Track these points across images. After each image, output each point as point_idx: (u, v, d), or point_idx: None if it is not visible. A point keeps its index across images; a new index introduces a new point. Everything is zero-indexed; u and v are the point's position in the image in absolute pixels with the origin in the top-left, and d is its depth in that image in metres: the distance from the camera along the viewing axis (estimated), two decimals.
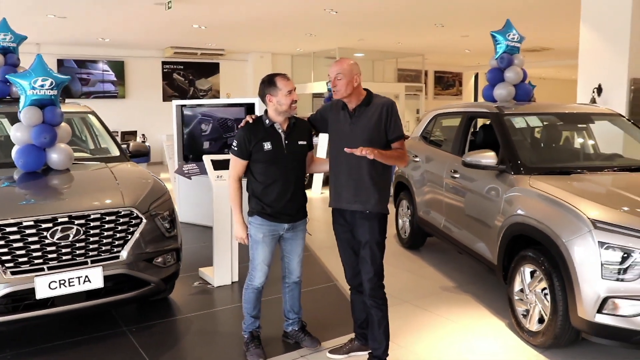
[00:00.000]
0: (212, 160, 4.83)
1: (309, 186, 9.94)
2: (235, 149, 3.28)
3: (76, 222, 3.47)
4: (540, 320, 3.53)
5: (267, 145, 3.23)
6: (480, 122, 5.67)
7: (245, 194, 3.38)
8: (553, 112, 5.13)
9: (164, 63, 15.71)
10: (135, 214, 3.71)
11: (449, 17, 10.91)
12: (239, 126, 3.35)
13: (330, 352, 3.49)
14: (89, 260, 3.47)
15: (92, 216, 3.53)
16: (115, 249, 3.59)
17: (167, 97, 15.40)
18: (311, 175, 9.88)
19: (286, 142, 3.28)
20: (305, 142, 3.36)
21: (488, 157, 4.14)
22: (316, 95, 16.34)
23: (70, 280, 3.36)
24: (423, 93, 18.35)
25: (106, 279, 3.49)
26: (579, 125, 5.08)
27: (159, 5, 9.18)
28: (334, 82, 3.12)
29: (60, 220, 3.43)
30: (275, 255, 3.44)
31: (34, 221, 3.37)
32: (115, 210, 3.64)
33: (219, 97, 15.80)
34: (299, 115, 3.49)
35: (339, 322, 3.92)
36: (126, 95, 15.22)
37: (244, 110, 6.58)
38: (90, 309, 3.55)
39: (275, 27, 12.02)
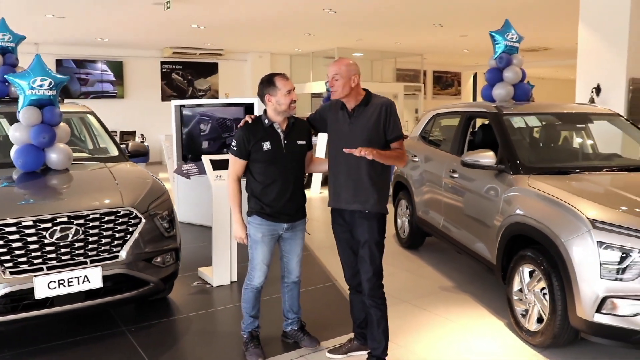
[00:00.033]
0: (211, 160, 4.83)
1: (308, 186, 9.94)
2: (235, 148, 3.28)
3: (75, 222, 3.47)
4: (539, 320, 3.54)
5: (266, 145, 3.23)
6: (479, 121, 5.68)
7: (245, 194, 3.38)
8: (552, 112, 5.14)
9: (162, 63, 15.70)
10: (134, 214, 3.70)
11: (448, 17, 10.92)
12: (238, 126, 3.35)
13: (330, 351, 3.49)
14: (88, 260, 3.47)
15: (91, 216, 3.53)
16: (115, 249, 3.59)
17: (165, 97, 15.39)
18: (310, 175, 9.89)
19: (285, 142, 3.28)
20: (304, 142, 3.36)
21: (487, 157, 4.15)
22: (315, 95, 16.34)
23: (70, 280, 3.36)
24: (422, 93, 18.37)
25: (105, 278, 3.48)
26: (578, 125, 5.09)
27: (157, 5, 9.17)
28: (331, 82, 3.13)
29: (59, 220, 3.43)
30: (275, 255, 3.44)
31: (33, 221, 3.36)
32: (115, 210, 3.64)
33: (217, 97, 15.79)
34: (298, 115, 3.50)
35: (338, 322, 3.92)
36: (125, 95, 15.20)
37: (243, 110, 6.58)
38: (89, 308, 3.55)
39: (274, 27, 12.01)
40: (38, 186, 3.95)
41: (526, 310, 3.66)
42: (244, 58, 16.81)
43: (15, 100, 4.39)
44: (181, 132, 7.27)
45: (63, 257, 3.42)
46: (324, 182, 9.66)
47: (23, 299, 3.31)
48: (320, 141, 9.41)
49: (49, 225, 3.40)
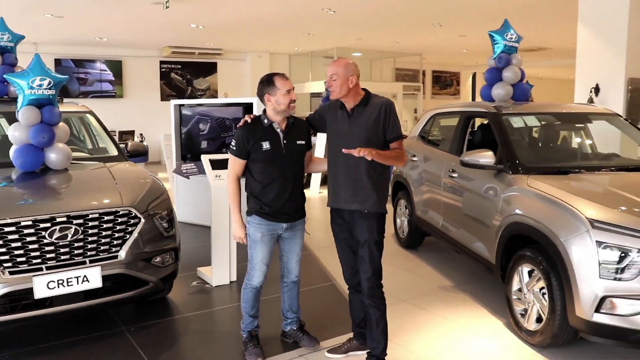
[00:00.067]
0: (210, 160, 4.83)
1: (308, 186, 9.94)
2: (234, 148, 3.28)
3: (74, 221, 3.47)
4: (538, 319, 3.54)
5: (266, 145, 3.23)
6: (478, 121, 5.69)
7: (244, 194, 3.38)
8: (551, 111, 5.14)
9: (161, 62, 15.70)
10: (133, 214, 3.70)
11: (447, 16, 10.92)
12: (237, 126, 3.35)
13: (329, 351, 3.50)
14: (87, 260, 3.47)
15: (90, 216, 3.53)
16: (114, 249, 3.59)
17: (165, 97, 15.39)
18: (309, 175, 9.89)
19: (285, 141, 3.28)
20: (303, 142, 3.37)
21: (486, 157, 4.15)
22: (314, 95, 16.36)
23: (69, 280, 3.36)
24: (421, 93, 18.38)
25: (104, 278, 3.48)
26: (577, 125, 5.10)
27: (156, 4, 9.17)
28: (330, 82, 3.13)
29: (58, 220, 3.43)
30: (274, 255, 3.44)
31: (32, 221, 3.36)
32: (114, 210, 3.64)
33: (216, 97, 15.79)
34: (297, 114, 3.49)
35: (337, 322, 3.92)
36: (124, 95, 15.20)
37: (242, 110, 6.58)
38: (89, 308, 3.55)
39: (274, 26, 12.01)
40: (37, 186, 3.95)
41: (525, 310, 3.67)
42: (243, 58, 16.81)
43: (14, 99, 4.39)
44: (180, 132, 7.27)
45: (62, 257, 3.41)
46: (323, 182, 9.67)
47: (22, 298, 3.30)
48: (320, 141, 9.41)
49: (48, 225, 3.39)
